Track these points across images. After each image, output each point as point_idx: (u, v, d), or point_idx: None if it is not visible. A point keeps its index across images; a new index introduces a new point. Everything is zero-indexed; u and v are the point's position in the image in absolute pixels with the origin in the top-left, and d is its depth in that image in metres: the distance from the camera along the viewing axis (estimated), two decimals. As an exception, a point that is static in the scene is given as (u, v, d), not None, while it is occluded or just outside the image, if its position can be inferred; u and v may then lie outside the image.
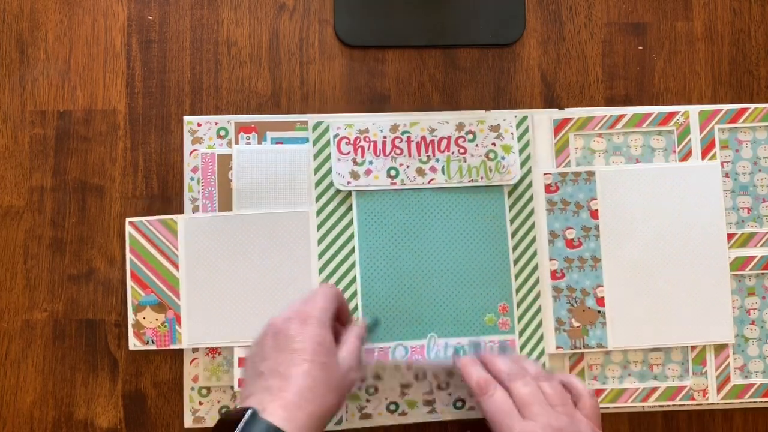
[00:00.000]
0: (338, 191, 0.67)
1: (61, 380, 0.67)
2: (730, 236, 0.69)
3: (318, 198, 0.67)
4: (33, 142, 0.69)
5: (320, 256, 0.67)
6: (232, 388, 0.66)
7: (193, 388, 0.67)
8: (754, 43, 0.72)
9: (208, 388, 0.67)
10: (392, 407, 0.66)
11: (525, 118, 0.69)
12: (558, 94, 0.71)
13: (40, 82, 0.69)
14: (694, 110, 0.69)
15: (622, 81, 0.71)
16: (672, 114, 0.69)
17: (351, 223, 0.67)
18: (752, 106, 0.69)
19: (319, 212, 0.67)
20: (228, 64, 0.70)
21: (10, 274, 0.68)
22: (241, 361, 0.65)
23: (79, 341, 0.67)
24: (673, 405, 0.68)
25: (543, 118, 0.69)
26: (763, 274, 0.69)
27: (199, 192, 0.68)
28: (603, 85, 0.71)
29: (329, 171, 0.67)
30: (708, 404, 0.68)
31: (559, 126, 0.69)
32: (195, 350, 0.66)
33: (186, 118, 0.68)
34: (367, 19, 0.70)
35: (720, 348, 0.68)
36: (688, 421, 0.69)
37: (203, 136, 0.68)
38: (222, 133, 0.68)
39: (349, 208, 0.67)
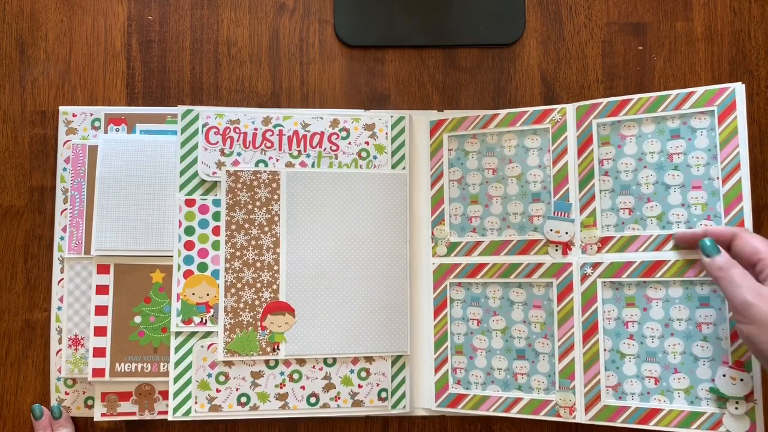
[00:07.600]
0: (203, 181, 0.66)
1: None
2: (605, 240, 0.62)
3: (182, 187, 0.66)
4: (33, 142, 0.69)
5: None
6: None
7: (59, 379, 0.66)
8: (754, 43, 0.72)
9: (74, 380, 0.66)
10: (243, 399, 0.65)
11: (402, 118, 0.68)
12: (558, 94, 0.71)
13: (40, 82, 0.69)
14: (571, 106, 0.65)
15: (622, 81, 0.71)
16: (548, 111, 0.65)
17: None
18: (636, 96, 0.63)
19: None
20: (228, 64, 0.70)
21: (10, 274, 0.68)
22: (96, 351, 0.64)
23: (79, 341, 0.67)
24: (539, 419, 0.62)
25: (421, 119, 0.69)
26: (644, 282, 0.60)
27: (69, 182, 0.67)
28: (603, 85, 0.71)
29: (195, 160, 0.66)
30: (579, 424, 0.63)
31: (435, 127, 0.69)
32: (59, 341, 0.66)
33: (61, 108, 0.68)
34: (367, 19, 0.70)
35: (591, 362, 0.61)
36: None
37: (78, 126, 0.67)
38: (96, 124, 0.67)
39: (216, 198, 0.66)
